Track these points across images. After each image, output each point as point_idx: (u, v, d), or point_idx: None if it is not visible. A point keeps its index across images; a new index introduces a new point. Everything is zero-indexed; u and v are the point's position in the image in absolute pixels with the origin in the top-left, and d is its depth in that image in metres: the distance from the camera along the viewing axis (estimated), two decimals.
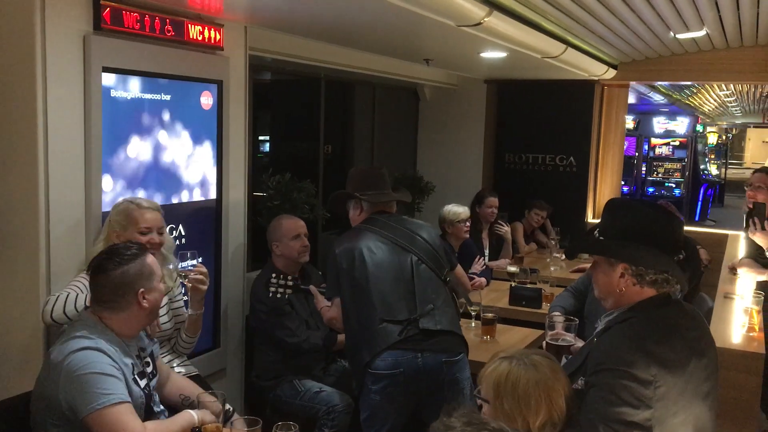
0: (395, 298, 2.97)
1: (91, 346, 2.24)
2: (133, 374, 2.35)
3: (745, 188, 4.47)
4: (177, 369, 3.07)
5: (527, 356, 1.82)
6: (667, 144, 12.28)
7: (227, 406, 2.46)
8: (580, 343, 2.46)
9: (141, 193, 3.14)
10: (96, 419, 2.16)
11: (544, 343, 2.58)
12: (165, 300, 2.92)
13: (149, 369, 2.49)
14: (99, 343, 2.26)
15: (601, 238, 2.01)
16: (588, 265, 4.61)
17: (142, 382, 2.40)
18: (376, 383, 2.90)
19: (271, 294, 3.31)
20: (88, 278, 2.66)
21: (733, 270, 4.53)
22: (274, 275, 3.33)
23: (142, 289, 2.35)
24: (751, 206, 4.40)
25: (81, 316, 2.39)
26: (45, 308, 2.56)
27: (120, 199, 2.93)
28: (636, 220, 1.95)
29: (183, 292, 3.12)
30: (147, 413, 2.40)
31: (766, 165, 4.99)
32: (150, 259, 2.43)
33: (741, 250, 4.91)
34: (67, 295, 2.57)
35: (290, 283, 3.32)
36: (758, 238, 3.95)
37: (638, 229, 1.93)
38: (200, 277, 2.91)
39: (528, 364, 1.78)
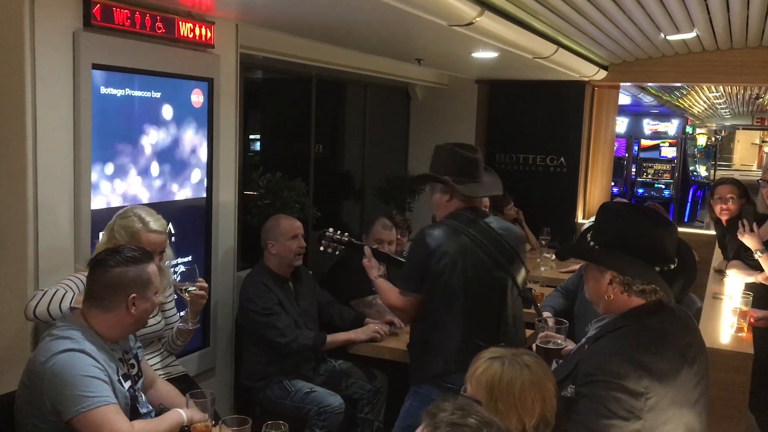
0: (482, 319, 2.86)
1: (75, 347, 2.22)
2: (118, 375, 2.33)
3: (713, 202, 4.51)
4: (166, 370, 3.06)
5: (518, 356, 1.79)
6: (657, 145, 12.34)
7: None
8: (570, 345, 2.46)
9: (139, 198, 3.13)
10: (82, 421, 2.14)
11: (534, 345, 2.58)
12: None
13: (134, 371, 2.47)
14: (82, 344, 2.24)
15: (592, 242, 2.01)
16: (576, 267, 4.63)
17: (126, 384, 2.38)
18: (444, 394, 2.87)
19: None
20: (83, 277, 2.65)
21: (719, 272, 4.56)
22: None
23: (133, 295, 2.32)
24: (716, 218, 4.47)
25: (65, 315, 2.36)
26: (29, 303, 2.52)
27: (127, 209, 2.85)
28: (624, 229, 1.94)
29: (175, 295, 3.10)
30: (133, 414, 2.38)
31: (725, 177, 5.03)
32: (152, 268, 2.39)
33: (715, 257, 4.95)
34: (54, 293, 2.54)
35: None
36: (747, 240, 3.98)
37: (625, 238, 1.92)
38: (201, 293, 2.90)
39: (522, 365, 1.75)
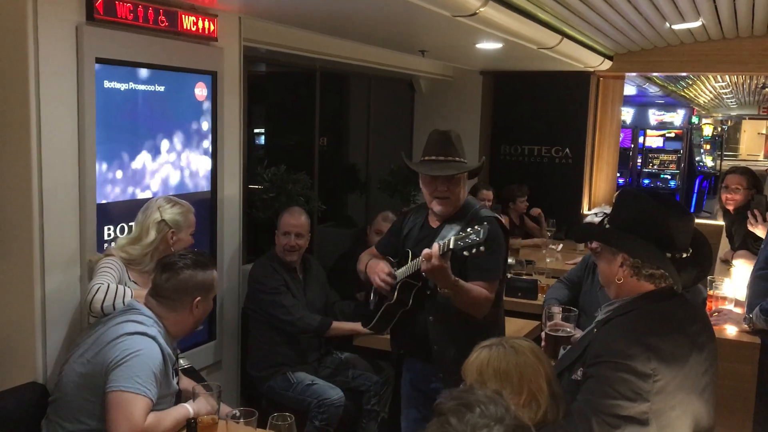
0: None
1: (148, 333, 2.36)
2: (173, 368, 2.47)
3: (721, 191, 4.50)
4: None
5: (507, 341, 1.88)
6: (663, 136, 12.28)
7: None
8: (579, 333, 2.46)
9: (137, 188, 3.13)
10: (113, 397, 2.24)
11: (543, 334, 2.58)
12: None
13: (179, 369, 2.63)
14: (153, 332, 2.37)
15: (607, 225, 2.01)
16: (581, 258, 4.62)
17: (175, 379, 2.51)
18: None
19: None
20: (113, 263, 2.73)
21: (726, 262, 4.55)
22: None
23: (198, 298, 2.46)
24: (728, 209, 4.45)
25: (133, 305, 2.47)
26: (95, 297, 2.56)
27: (159, 200, 2.93)
28: (637, 213, 1.94)
29: None
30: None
31: (737, 165, 5.00)
32: (215, 275, 2.55)
33: (721, 247, 4.94)
34: (116, 288, 2.60)
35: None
36: (759, 230, 3.97)
37: (638, 221, 1.92)
38: None
39: (508, 348, 1.85)
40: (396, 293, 2.87)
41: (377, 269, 2.91)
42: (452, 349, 2.81)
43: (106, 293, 2.56)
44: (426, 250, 2.60)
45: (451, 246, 2.54)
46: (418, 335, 2.92)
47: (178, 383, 2.54)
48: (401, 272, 2.87)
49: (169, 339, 2.45)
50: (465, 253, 2.55)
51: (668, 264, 1.88)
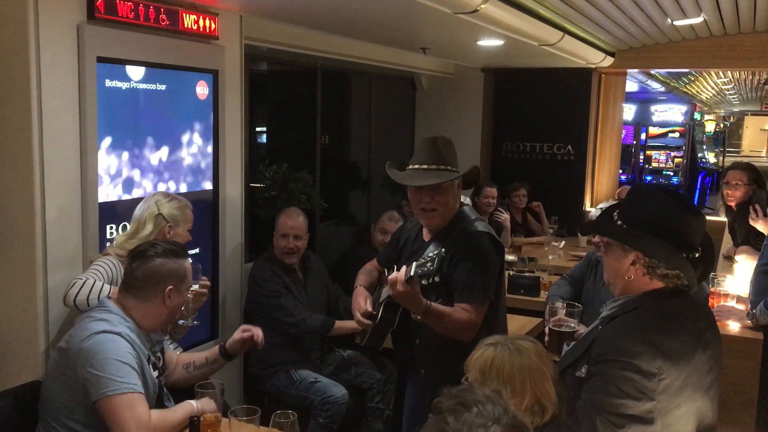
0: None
1: (113, 330, 2.30)
2: (149, 363, 2.41)
3: (722, 187, 4.50)
4: None
5: (512, 342, 1.85)
6: (665, 133, 12.27)
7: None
8: (583, 329, 2.44)
9: (137, 182, 3.13)
10: (107, 404, 2.20)
11: (546, 329, 2.56)
12: None
13: (160, 363, 2.55)
14: (119, 328, 2.32)
15: (619, 221, 1.97)
16: (585, 254, 4.63)
17: (155, 373, 2.46)
18: None
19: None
20: (108, 262, 2.70)
21: (728, 258, 4.55)
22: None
23: (170, 287, 2.41)
24: (729, 205, 4.45)
25: (103, 302, 2.43)
26: (69, 291, 2.56)
27: (157, 195, 2.93)
28: (654, 212, 1.90)
29: None
30: (158, 404, 2.45)
31: (739, 161, 4.98)
32: (188, 264, 2.50)
33: (724, 244, 4.94)
34: (93, 283, 2.59)
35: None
36: (760, 225, 3.96)
37: (655, 221, 1.88)
38: (204, 291, 2.91)
39: (513, 349, 1.81)
40: (381, 312, 2.67)
41: (356, 306, 2.73)
42: (439, 374, 2.63)
43: (81, 288, 2.55)
44: (392, 276, 2.42)
45: (411, 273, 2.35)
46: (408, 355, 2.80)
47: (158, 378, 2.48)
48: (385, 290, 2.65)
49: (141, 333, 2.39)
50: (424, 282, 2.40)
51: (686, 265, 1.84)
